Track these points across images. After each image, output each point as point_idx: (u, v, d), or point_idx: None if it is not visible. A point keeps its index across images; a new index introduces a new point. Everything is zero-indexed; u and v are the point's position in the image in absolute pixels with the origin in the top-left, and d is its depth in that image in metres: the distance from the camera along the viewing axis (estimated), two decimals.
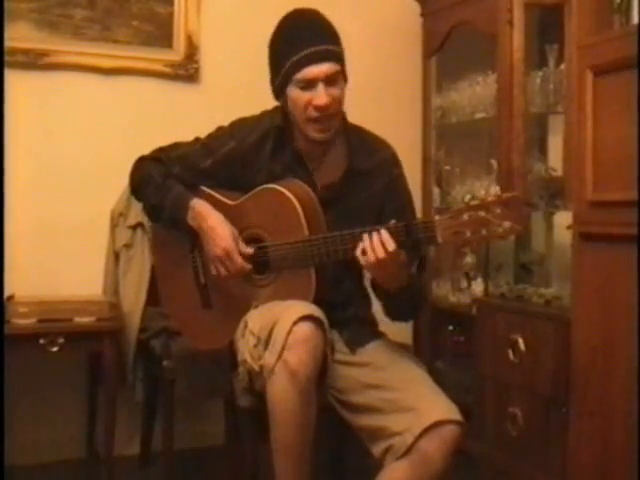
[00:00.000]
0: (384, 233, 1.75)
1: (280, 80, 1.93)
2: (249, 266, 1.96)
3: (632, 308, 1.95)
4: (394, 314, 2.00)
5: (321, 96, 1.88)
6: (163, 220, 2.07)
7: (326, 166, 2.00)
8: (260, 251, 1.97)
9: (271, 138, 2.01)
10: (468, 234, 1.69)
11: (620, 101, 1.98)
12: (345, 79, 1.96)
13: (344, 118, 2.01)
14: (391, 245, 1.74)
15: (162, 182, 2.04)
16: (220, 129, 2.09)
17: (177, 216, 2.02)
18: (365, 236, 1.77)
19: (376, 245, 1.75)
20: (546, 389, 2.37)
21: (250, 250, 1.96)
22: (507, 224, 1.66)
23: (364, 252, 1.76)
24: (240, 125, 2.06)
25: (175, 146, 2.12)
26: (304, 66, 1.87)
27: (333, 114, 1.92)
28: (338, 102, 1.93)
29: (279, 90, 1.96)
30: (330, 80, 1.89)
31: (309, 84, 1.88)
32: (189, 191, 2.04)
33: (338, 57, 1.92)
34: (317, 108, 1.89)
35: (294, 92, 1.91)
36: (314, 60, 1.87)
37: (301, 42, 1.88)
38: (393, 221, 1.77)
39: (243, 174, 2.01)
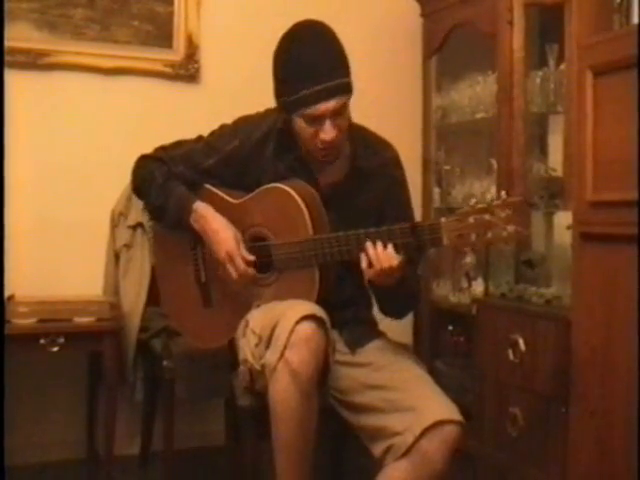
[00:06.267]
0: (390, 249, 1.77)
1: (285, 105, 1.89)
2: (252, 270, 1.96)
3: (632, 308, 1.95)
4: (387, 310, 2.02)
5: (328, 131, 1.86)
6: (165, 221, 2.07)
7: (330, 166, 1.99)
8: (263, 250, 1.97)
9: (274, 138, 2.00)
10: (473, 237, 1.70)
11: (620, 101, 1.98)
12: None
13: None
14: (395, 261, 1.76)
15: (165, 182, 2.03)
16: (223, 127, 2.09)
17: (180, 218, 2.02)
18: (370, 249, 1.78)
19: (384, 262, 1.77)
20: (546, 389, 2.37)
21: (251, 257, 1.96)
22: (512, 228, 1.68)
23: (370, 265, 1.79)
24: (243, 123, 2.06)
25: (178, 144, 2.11)
26: (313, 104, 1.83)
27: (340, 142, 1.92)
28: (344, 130, 1.91)
29: (283, 109, 1.92)
30: (338, 112, 1.86)
31: (316, 119, 1.85)
32: (192, 192, 2.03)
33: (348, 88, 1.88)
34: (324, 142, 1.88)
35: (300, 123, 1.88)
36: (324, 98, 1.82)
37: (311, 76, 1.82)
38: (398, 224, 1.78)
39: (246, 173, 2.01)
